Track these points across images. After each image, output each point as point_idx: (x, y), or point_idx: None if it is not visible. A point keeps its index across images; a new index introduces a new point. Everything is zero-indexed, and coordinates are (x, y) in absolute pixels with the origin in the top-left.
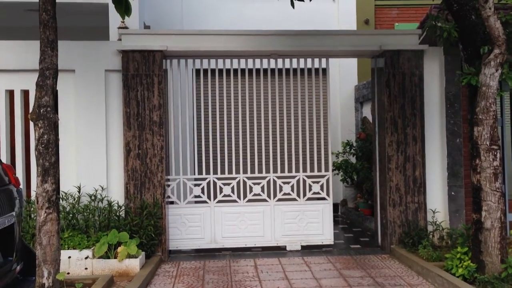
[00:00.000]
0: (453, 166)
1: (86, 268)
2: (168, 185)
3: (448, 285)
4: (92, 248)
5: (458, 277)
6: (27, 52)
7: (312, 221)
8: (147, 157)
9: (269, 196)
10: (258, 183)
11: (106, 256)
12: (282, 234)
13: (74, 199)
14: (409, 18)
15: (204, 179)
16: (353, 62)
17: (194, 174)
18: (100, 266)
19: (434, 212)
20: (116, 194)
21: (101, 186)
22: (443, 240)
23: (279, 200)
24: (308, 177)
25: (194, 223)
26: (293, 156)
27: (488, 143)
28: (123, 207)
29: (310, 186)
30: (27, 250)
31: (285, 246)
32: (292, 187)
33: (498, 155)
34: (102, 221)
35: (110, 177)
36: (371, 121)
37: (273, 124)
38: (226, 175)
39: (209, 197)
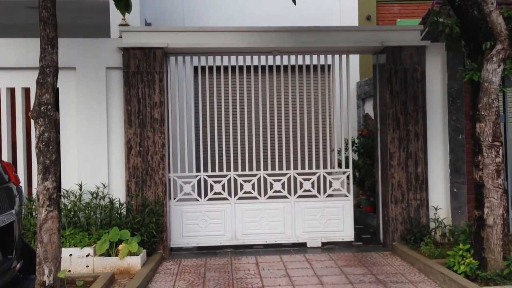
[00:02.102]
0: (455, 163)
1: (87, 266)
2: (189, 182)
3: (450, 282)
4: (94, 246)
5: (460, 274)
6: (27, 50)
7: (332, 217)
8: (148, 155)
9: (289, 192)
10: (279, 180)
11: (107, 253)
12: (302, 231)
13: (76, 197)
14: (411, 14)
15: (224, 176)
16: (355, 59)
17: (215, 171)
18: (101, 264)
19: (436, 209)
20: (118, 192)
21: (102, 183)
22: (445, 237)
23: (300, 196)
24: (329, 173)
25: (215, 220)
26: (313, 153)
27: (490, 139)
28: (124, 205)
29: (330, 182)
30: (27, 248)
31: (306, 243)
32: (313, 183)
33: (500, 152)
34: (104, 219)
35: (112, 174)
36: (373, 117)
37: (293, 121)
38: (247, 172)
39: (229, 194)
